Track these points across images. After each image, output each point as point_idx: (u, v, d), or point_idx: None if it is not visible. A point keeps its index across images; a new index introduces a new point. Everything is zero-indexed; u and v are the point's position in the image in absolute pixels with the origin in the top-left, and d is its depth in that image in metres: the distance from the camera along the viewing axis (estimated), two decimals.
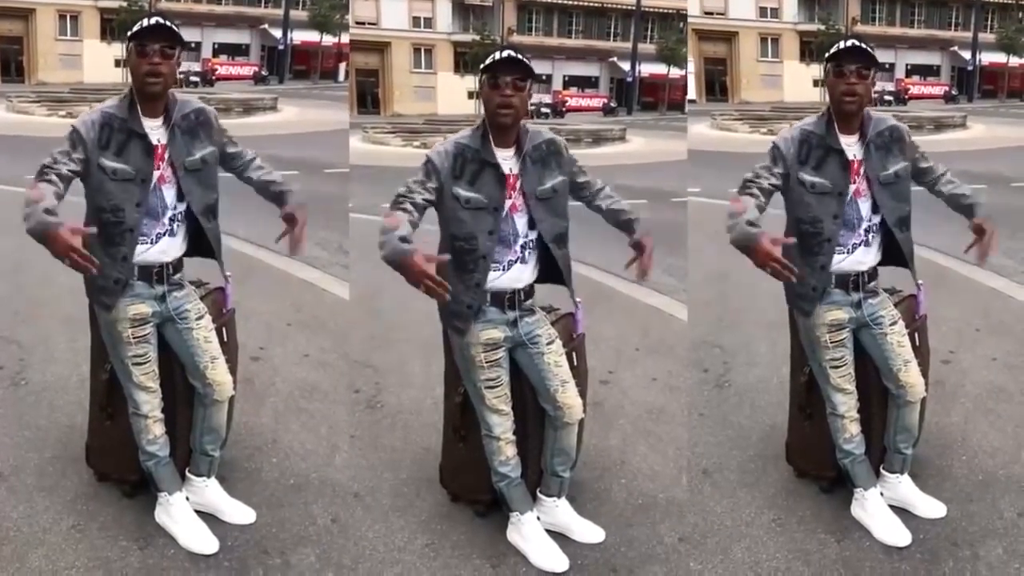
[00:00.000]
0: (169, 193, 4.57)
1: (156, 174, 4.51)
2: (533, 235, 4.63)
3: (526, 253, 4.63)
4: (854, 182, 4.69)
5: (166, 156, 4.53)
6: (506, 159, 4.55)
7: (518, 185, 4.56)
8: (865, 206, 4.75)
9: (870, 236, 4.78)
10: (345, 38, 38.44)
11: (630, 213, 4.84)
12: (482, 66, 4.49)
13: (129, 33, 4.47)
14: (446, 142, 4.57)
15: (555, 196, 4.64)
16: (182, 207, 4.62)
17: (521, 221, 4.60)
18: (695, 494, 5.27)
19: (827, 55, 4.66)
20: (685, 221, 11.75)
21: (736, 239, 4.28)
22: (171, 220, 4.60)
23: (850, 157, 4.69)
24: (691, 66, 39.46)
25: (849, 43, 4.63)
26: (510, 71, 4.45)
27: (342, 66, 36.93)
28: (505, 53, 4.47)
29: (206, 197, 4.66)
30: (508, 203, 4.55)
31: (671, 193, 14.02)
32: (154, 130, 4.51)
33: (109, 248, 4.48)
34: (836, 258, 4.74)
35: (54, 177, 4.28)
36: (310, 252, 10.04)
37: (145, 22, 4.44)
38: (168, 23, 4.45)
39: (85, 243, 3.94)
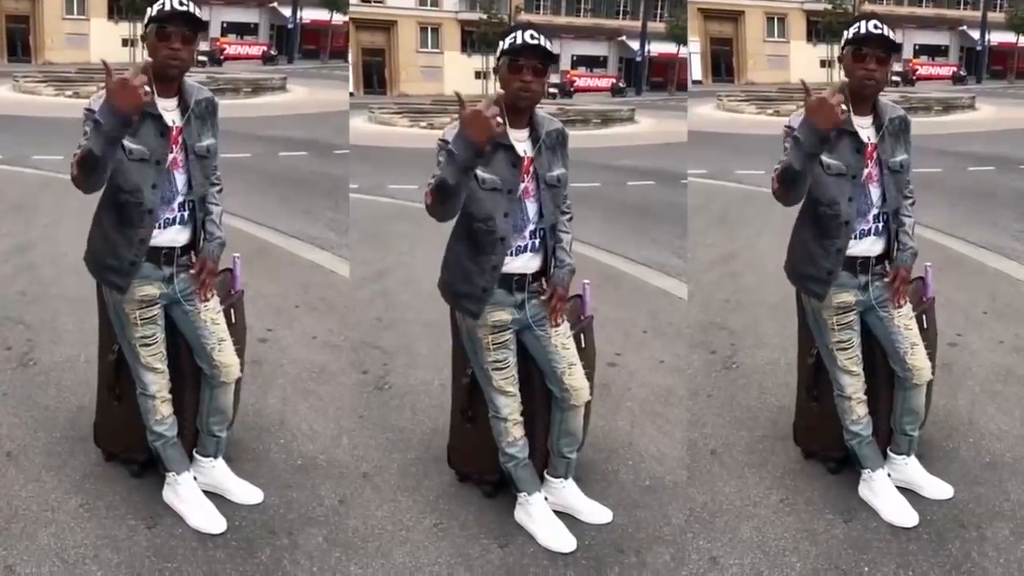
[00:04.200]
0: (181, 178, 4.55)
1: (170, 157, 4.49)
2: (544, 224, 4.61)
3: (536, 240, 4.61)
4: (867, 166, 4.68)
5: (180, 139, 4.52)
6: (520, 141, 4.52)
7: (532, 169, 4.55)
8: (876, 192, 4.73)
9: (880, 224, 4.77)
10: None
11: (564, 259, 4.69)
12: (503, 47, 4.45)
13: (151, 14, 4.41)
14: (457, 124, 4.49)
15: (558, 186, 4.63)
16: (193, 196, 4.60)
17: (532, 207, 4.57)
18: (703, 475, 5.28)
19: (847, 37, 4.63)
20: (686, 202, 11.77)
21: (803, 130, 4.34)
22: (181, 206, 4.58)
23: (864, 140, 4.67)
24: (697, 46, 39.37)
25: (871, 25, 4.58)
26: (531, 56, 4.40)
27: None
28: (527, 34, 4.40)
29: (203, 187, 4.63)
30: (521, 186, 4.53)
31: (680, 174, 14.01)
32: (168, 111, 4.48)
33: (126, 230, 4.47)
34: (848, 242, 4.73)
35: None
36: (318, 233, 10.09)
37: (167, 5, 4.38)
38: (190, 8, 4.40)
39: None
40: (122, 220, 4.46)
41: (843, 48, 4.67)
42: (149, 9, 4.43)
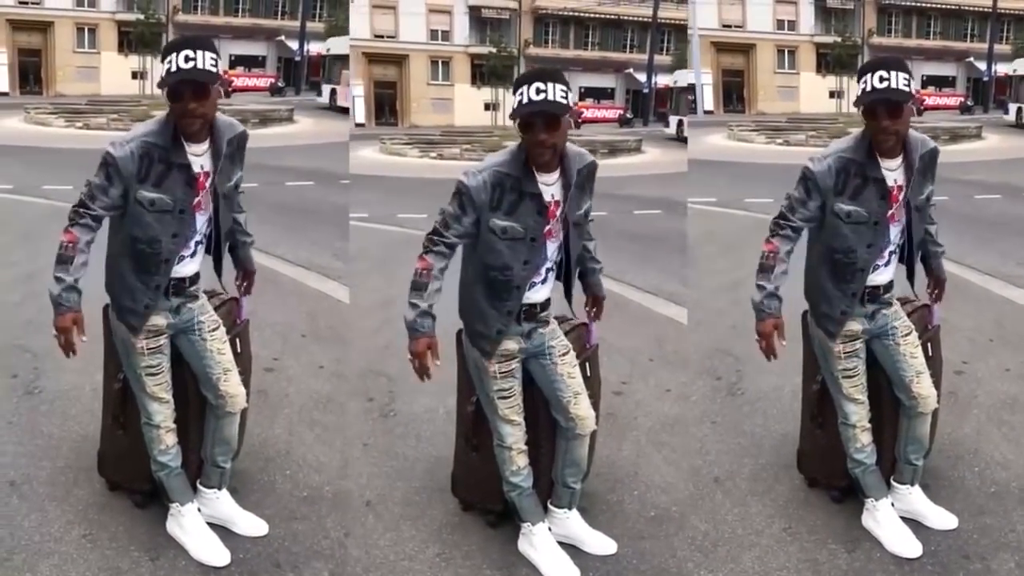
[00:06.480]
0: (201, 219, 4.55)
1: (194, 200, 4.47)
2: (559, 257, 4.59)
3: (549, 275, 4.60)
4: (891, 208, 4.63)
5: (208, 184, 4.50)
6: (549, 185, 4.43)
7: (559, 213, 4.48)
8: (895, 231, 4.69)
9: (892, 256, 4.77)
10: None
11: (594, 266, 4.97)
12: (513, 106, 4.28)
13: (162, 74, 4.31)
14: (484, 169, 4.38)
15: (585, 222, 4.64)
16: (208, 230, 4.63)
17: (553, 247, 4.52)
18: (706, 502, 5.26)
19: (858, 95, 4.49)
20: (685, 228, 11.78)
21: (754, 303, 4.74)
22: (196, 244, 4.59)
23: (890, 184, 4.60)
24: (709, 77, 39.45)
25: (875, 79, 4.39)
26: (541, 113, 4.25)
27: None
28: (532, 90, 4.21)
29: (227, 221, 4.69)
30: (545, 229, 4.46)
31: (686, 204, 14.02)
32: (198, 157, 4.45)
33: (143, 276, 4.48)
34: None
35: (89, 221, 4.37)
36: (325, 262, 10.10)
37: (174, 65, 4.24)
38: (198, 63, 4.25)
39: (79, 328, 4.44)
40: (139, 267, 4.47)
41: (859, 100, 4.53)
42: (163, 63, 4.32)
